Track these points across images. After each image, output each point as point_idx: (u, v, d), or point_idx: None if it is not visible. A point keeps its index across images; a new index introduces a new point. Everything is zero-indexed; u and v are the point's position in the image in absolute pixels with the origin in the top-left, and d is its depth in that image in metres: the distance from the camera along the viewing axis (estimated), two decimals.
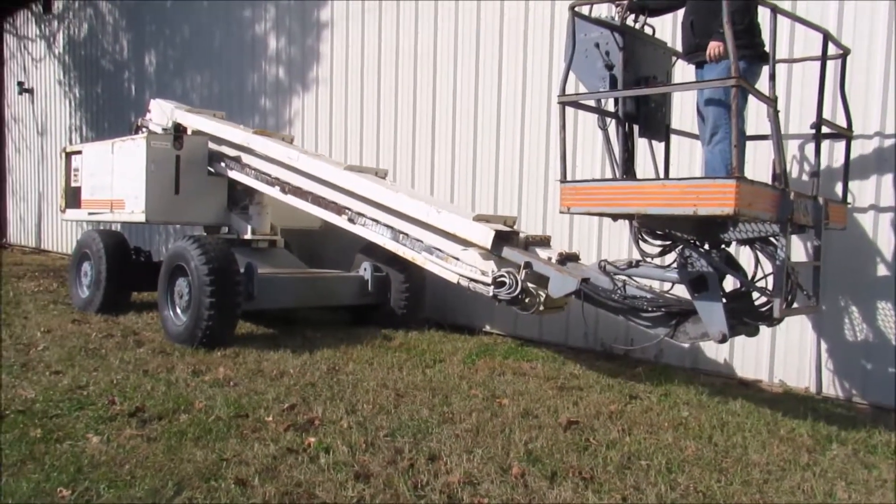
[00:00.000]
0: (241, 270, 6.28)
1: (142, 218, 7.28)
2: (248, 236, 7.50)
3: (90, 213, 8.13)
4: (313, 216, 6.79)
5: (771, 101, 4.14)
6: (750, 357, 5.66)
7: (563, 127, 4.48)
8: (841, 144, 4.99)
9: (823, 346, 5.32)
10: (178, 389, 4.75)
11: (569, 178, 4.50)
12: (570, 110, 4.60)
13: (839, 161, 5.05)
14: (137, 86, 12.73)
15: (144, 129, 8.33)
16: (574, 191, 4.45)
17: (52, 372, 5.08)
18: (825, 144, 5.06)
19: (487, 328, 7.46)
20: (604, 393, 5.08)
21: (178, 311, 6.41)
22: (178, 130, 7.83)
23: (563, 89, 4.47)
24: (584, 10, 4.72)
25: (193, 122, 7.85)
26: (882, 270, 5.11)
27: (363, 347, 6.26)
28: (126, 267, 7.86)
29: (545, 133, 6.91)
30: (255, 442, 3.80)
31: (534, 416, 4.44)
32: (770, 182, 4.49)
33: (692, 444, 4.03)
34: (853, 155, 4.94)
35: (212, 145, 7.63)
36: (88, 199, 8.07)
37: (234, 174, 7.43)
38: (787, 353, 5.48)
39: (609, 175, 5.36)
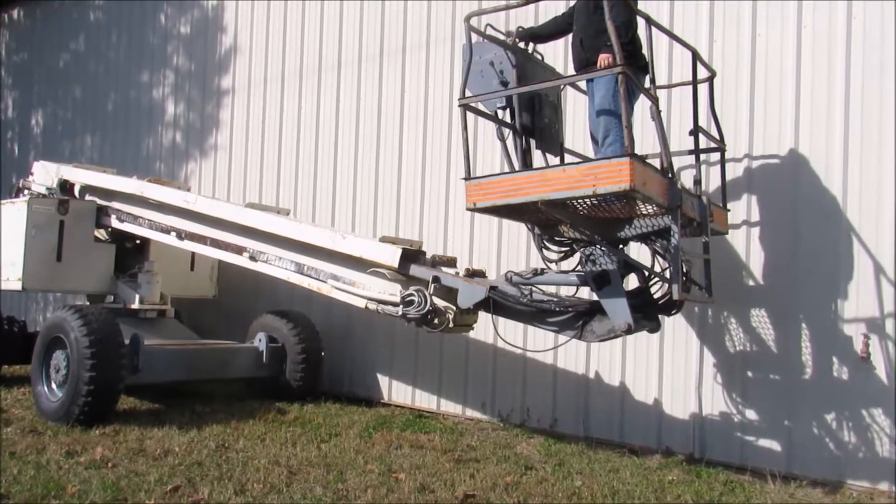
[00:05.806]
0: (126, 342, 5.97)
1: (18, 286, 6.85)
2: (135, 305, 7.16)
3: None
4: (207, 285, 6.59)
5: (654, 99, 4.53)
6: (639, 425, 5.86)
7: (464, 128, 4.72)
8: (716, 169, 5.34)
9: (709, 360, 5.58)
10: (48, 473, 4.40)
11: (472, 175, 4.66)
12: (470, 118, 4.80)
13: (715, 183, 5.40)
14: (21, 146, 12.12)
15: (27, 192, 7.92)
16: (478, 186, 4.58)
17: None
18: (702, 168, 5.39)
19: (386, 399, 7.37)
20: (500, 464, 5.09)
21: (54, 386, 6.01)
22: (65, 188, 7.53)
23: (463, 93, 4.70)
24: (482, 27, 4.92)
25: (81, 176, 7.53)
26: (751, 282, 5.44)
27: (256, 422, 6.02)
28: None
29: (445, 164, 7.04)
30: None
31: (430, 491, 4.39)
32: None
33: None
34: (728, 177, 5.31)
35: (101, 201, 7.33)
36: None
37: (125, 226, 7.15)
38: (672, 422, 5.72)
39: None
